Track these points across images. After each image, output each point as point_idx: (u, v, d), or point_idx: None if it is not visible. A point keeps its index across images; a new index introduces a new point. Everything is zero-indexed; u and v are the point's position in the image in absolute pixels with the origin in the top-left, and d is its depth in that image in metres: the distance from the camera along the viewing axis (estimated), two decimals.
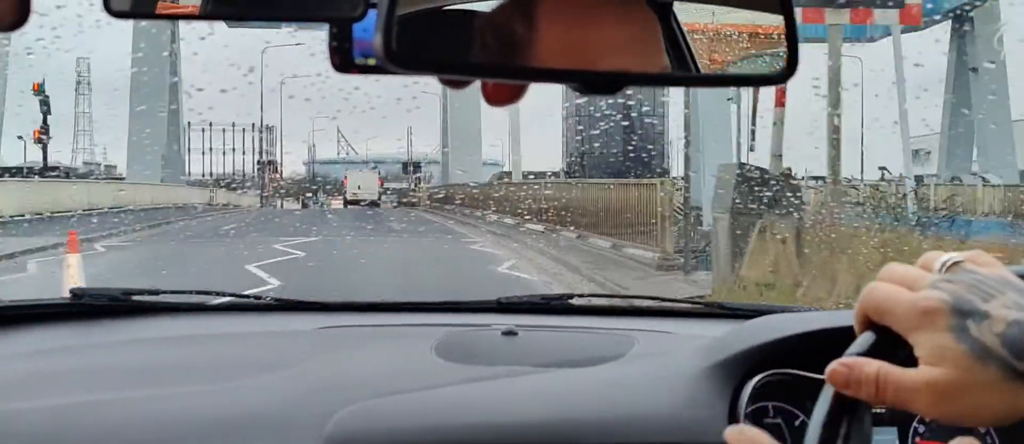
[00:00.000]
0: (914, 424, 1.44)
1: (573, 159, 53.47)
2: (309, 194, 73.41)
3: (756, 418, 1.44)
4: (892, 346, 0.78)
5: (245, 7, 0.84)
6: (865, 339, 0.80)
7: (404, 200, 60.36)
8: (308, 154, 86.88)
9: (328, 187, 76.90)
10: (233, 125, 74.35)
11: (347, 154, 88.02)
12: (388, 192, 65.25)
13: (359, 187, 51.83)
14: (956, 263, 0.80)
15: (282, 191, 70.08)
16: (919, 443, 1.44)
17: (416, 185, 66.18)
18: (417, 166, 71.75)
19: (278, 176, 69.21)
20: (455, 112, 47.25)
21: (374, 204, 50.61)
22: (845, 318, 1.55)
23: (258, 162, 66.73)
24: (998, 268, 0.80)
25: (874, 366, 0.77)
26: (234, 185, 69.65)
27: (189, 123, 68.62)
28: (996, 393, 0.74)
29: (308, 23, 0.80)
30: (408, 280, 13.95)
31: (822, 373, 0.80)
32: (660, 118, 52.62)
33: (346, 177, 56.71)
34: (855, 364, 0.78)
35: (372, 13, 0.73)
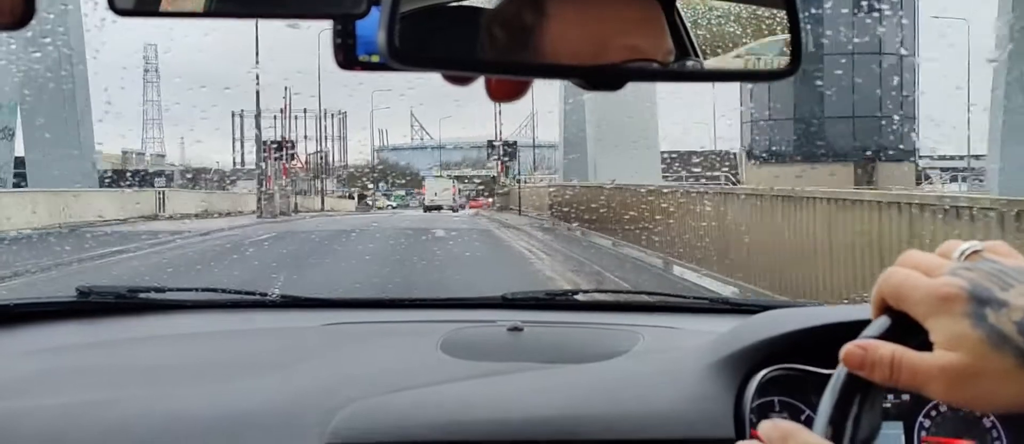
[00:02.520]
0: (920, 419, 1.44)
1: (759, 132, 34.80)
2: (371, 187, 63.00)
3: (762, 413, 1.44)
4: (908, 331, 0.78)
5: (249, 4, 0.84)
6: (881, 323, 0.80)
7: (495, 197, 50.18)
8: (376, 138, 76.75)
9: (400, 181, 66.82)
10: (242, 112, 63.60)
11: (422, 139, 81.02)
12: (471, 180, 60.59)
13: (436, 194, 52.35)
14: (975, 251, 0.80)
15: (321, 185, 56.62)
16: (925, 439, 1.44)
17: (502, 174, 50.51)
18: (511, 147, 51.51)
19: (300, 166, 51.99)
20: None
21: (436, 208, 49.26)
22: (851, 312, 1.55)
23: (271, 144, 46.71)
24: (1018, 258, 0.80)
25: (889, 348, 0.78)
26: (233, 179, 53.75)
27: (241, 112, 59.05)
28: (1011, 380, 0.75)
29: (311, 20, 0.80)
30: None
31: (828, 368, 0.81)
32: (907, 74, 33.66)
33: (424, 185, 57.05)
34: (870, 346, 0.78)
35: (375, 10, 0.73)
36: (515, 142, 52.42)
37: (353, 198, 60.93)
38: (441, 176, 58.92)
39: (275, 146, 46.47)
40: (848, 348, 0.79)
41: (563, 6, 0.77)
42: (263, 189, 41.31)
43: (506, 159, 50.73)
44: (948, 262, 0.80)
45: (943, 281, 0.77)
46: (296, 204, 44.78)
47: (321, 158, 64.85)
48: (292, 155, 49.61)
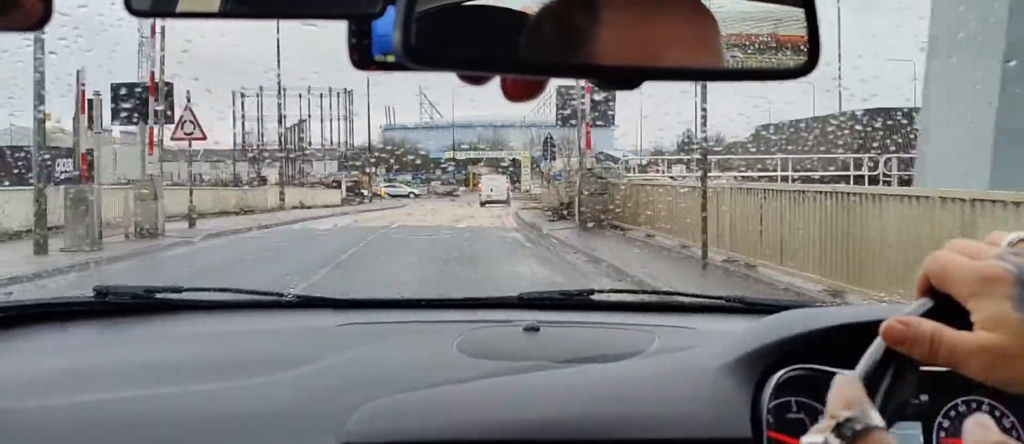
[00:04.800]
0: (939, 419, 1.43)
1: None
2: (372, 171, 54.26)
3: (779, 413, 1.43)
4: (949, 313, 0.79)
5: (265, 5, 0.85)
6: (922, 303, 0.81)
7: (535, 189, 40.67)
8: (383, 116, 69.96)
9: (395, 167, 59.55)
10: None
11: (432, 118, 74.71)
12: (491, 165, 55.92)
13: (491, 190, 48.87)
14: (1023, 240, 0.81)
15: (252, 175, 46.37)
16: (944, 440, 1.43)
17: (586, 153, 25.21)
18: (605, 108, 26.33)
19: (198, 138, 25.05)
20: None
21: (492, 203, 44.85)
22: (867, 312, 1.54)
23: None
24: None
25: (930, 325, 0.79)
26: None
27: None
28: None
29: (326, 20, 0.80)
30: None
31: (845, 368, 0.80)
32: None
33: (480, 182, 53.11)
34: (912, 321, 0.79)
35: (391, 10, 0.73)
36: (607, 101, 26.17)
37: (338, 186, 49.91)
38: (496, 172, 56.49)
39: (123, 98, 22.05)
40: (888, 323, 0.80)
41: (580, 6, 0.77)
42: (68, 187, 18.69)
43: (593, 121, 25.37)
44: (995, 248, 0.81)
45: (989, 263, 0.79)
46: (193, 211, 24.63)
47: (295, 137, 55.03)
48: (169, 114, 23.55)
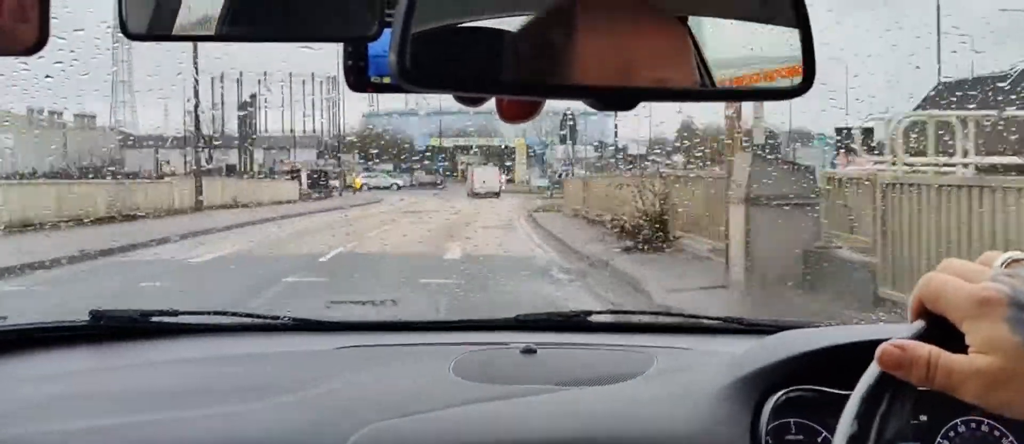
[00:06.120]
0: (938, 440, 1.43)
1: None
2: (346, 159, 49.96)
3: (778, 435, 1.43)
4: (944, 335, 0.79)
5: (260, 28, 0.85)
6: (917, 326, 0.81)
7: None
8: (365, 102, 66.07)
9: (377, 155, 55.29)
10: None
11: (417, 103, 75.43)
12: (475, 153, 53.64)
13: (484, 182, 47.25)
14: (1016, 260, 0.81)
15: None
16: None
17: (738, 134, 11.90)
18: None
19: None
20: None
21: (488, 195, 42.85)
22: (866, 332, 1.54)
23: None
24: None
25: (926, 349, 0.78)
26: None
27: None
28: None
29: (323, 43, 0.80)
30: None
31: (843, 389, 0.80)
32: None
33: (473, 173, 50.54)
34: (908, 346, 0.79)
35: (387, 33, 0.73)
36: None
37: (297, 177, 41.41)
38: (490, 164, 55.27)
39: None
40: (884, 347, 0.79)
41: (592, 31, 0.77)
42: None
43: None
44: (989, 270, 0.81)
45: (983, 286, 0.78)
46: None
47: (247, 120, 48.36)
48: None
